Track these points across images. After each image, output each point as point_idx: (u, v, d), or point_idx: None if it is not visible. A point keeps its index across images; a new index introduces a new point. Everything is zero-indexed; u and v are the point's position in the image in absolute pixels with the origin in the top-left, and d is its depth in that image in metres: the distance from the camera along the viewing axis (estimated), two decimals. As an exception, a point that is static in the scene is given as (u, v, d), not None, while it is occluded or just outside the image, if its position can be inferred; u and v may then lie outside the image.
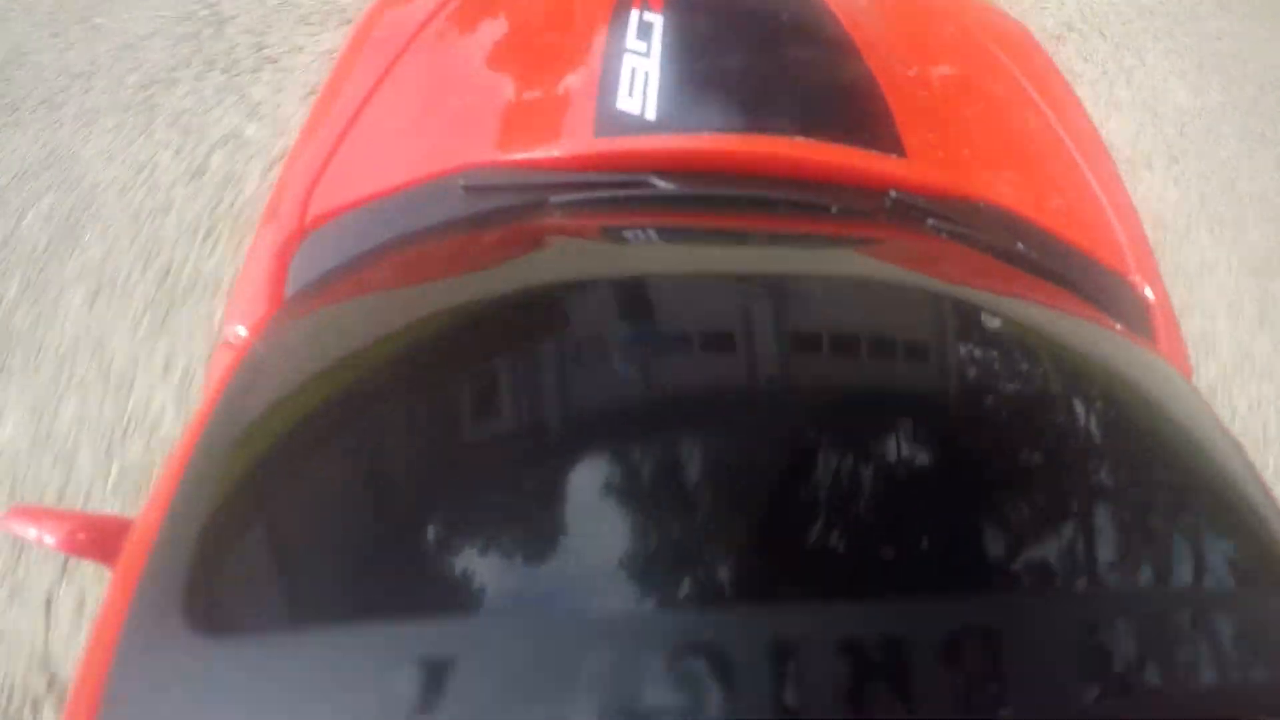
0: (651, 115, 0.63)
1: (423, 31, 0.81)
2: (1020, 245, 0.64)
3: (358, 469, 0.43)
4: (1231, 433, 0.53)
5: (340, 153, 0.69)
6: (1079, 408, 0.50)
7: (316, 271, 0.61)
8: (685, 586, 0.35)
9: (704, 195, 0.60)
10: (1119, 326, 0.61)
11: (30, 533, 0.56)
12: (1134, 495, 0.45)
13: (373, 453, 0.43)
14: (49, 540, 0.55)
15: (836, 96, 0.70)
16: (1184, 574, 0.42)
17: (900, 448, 0.42)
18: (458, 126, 0.70)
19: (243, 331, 0.63)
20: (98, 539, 0.54)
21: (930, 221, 0.61)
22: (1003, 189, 0.69)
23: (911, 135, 0.66)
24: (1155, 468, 0.47)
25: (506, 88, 0.73)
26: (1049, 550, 0.41)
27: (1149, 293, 0.71)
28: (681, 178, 0.59)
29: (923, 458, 0.42)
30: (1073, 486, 0.44)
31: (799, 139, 0.63)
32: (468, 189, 0.61)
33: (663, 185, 0.58)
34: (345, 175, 0.68)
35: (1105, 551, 0.41)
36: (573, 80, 0.68)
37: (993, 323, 0.51)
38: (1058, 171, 0.79)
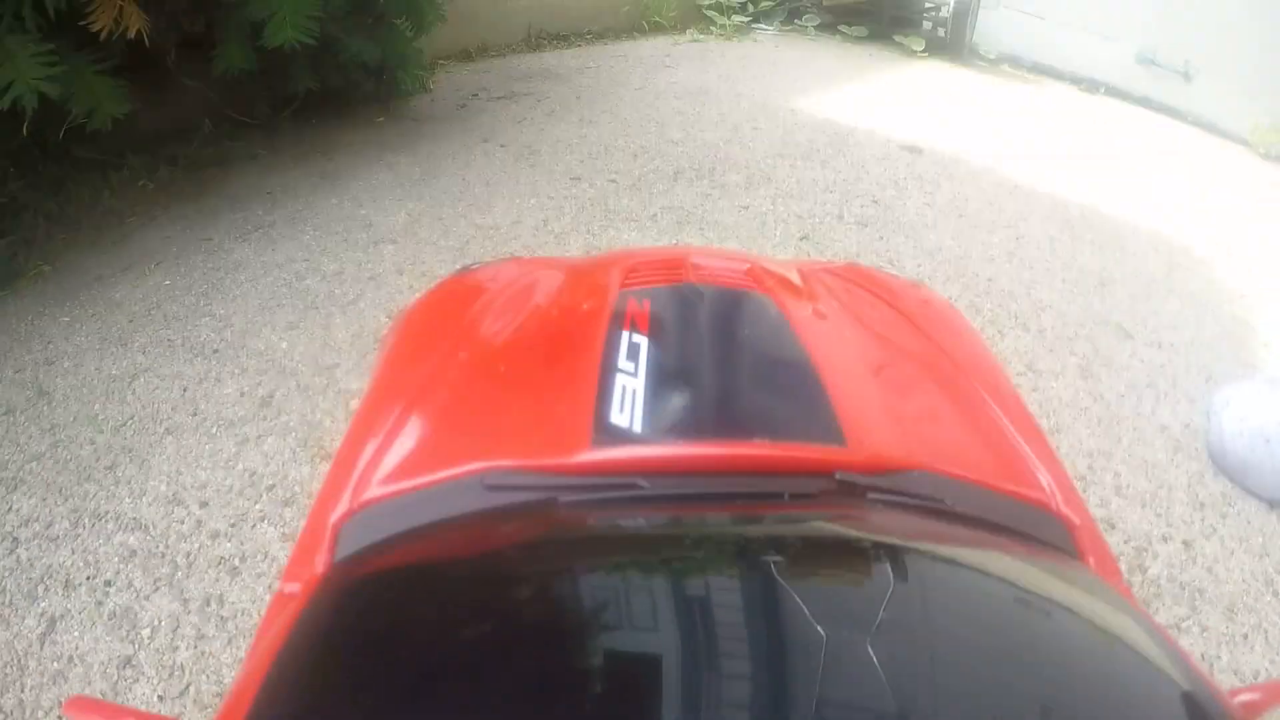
0: (639, 428, 0.78)
1: (446, 351, 1.01)
2: (952, 501, 0.75)
3: (402, 715, 0.49)
4: (1163, 629, 0.61)
5: (385, 449, 0.84)
6: (1017, 625, 0.58)
7: (363, 543, 0.72)
8: None
9: (683, 494, 0.74)
10: (1049, 552, 0.70)
11: None
12: (1073, 696, 0.52)
13: (414, 702, 0.50)
14: None
15: (789, 401, 0.87)
16: None
17: (866, 675, 0.48)
18: (480, 434, 0.85)
19: (296, 587, 0.72)
20: None
21: (870, 495, 0.73)
22: (934, 453, 0.82)
23: (851, 423, 0.80)
24: (1078, 665, 0.54)
25: (521, 400, 0.88)
26: None
27: (1076, 519, 0.84)
28: (665, 480, 0.74)
29: (885, 681, 0.49)
30: (1014, 690, 0.51)
31: (760, 441, 0.77)
32: (489, 487, 0.74)
33: (649, 486, 0.73)
34: (389, 468, 0.82)
35: None
36: (574, 395, 0.83)
37: (934, 567, 0.61)
38: (982, 427, 0.94)
